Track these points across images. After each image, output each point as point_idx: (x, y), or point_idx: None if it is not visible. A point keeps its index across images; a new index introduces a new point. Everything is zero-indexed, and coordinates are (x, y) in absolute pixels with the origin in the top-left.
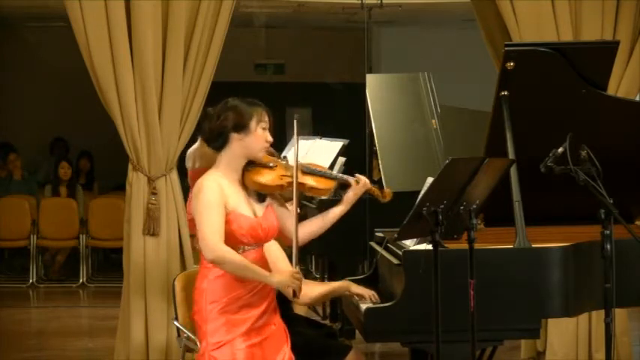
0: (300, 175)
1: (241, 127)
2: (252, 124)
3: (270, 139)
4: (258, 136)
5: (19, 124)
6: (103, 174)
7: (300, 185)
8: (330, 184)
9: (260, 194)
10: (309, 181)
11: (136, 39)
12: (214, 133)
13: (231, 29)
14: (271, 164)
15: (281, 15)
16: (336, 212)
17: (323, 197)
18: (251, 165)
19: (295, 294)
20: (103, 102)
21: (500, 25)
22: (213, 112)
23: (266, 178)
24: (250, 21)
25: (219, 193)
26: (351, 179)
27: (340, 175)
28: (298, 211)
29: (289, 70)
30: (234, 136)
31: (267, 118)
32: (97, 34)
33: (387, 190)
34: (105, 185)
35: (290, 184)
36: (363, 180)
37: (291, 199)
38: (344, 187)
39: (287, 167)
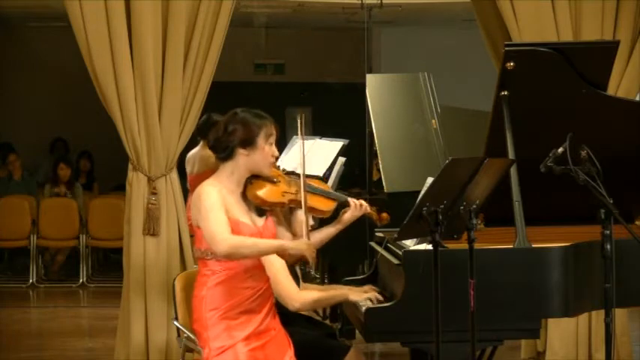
0: (302, 193)
1: (248, 143)
2: (260, 140)
3: (276, 153)
4: (264, 152)
5: (19, 124)
6: (103, 174)
7: (300, 204)
8: (330, 205)
9: (260, 209)
10: (311, 200)
11: (136, 39)
12: (221, 145)
13: (231, 29)
14: (275, 179)
15: (281, 15)
16: (330, 231)
17: (322, 217)
18: (254, 178)
19: (309, 263)
20: (103, 102)
21: (500, 25)
22: (221, 122)
23: (268, 193)
24: (250, 21)
25: (219, 196)
26: (350, 200)
27: (341, 195)
28: (311, 223)
29: (289, 70)
30: (241, 151)
31: (274, 133)
32: (97, 34)
33: (384, 215)
34: (105, 185)
35: (291, 201)
36: (364, 205)
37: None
38: (342, 207)
39: (290, 183)
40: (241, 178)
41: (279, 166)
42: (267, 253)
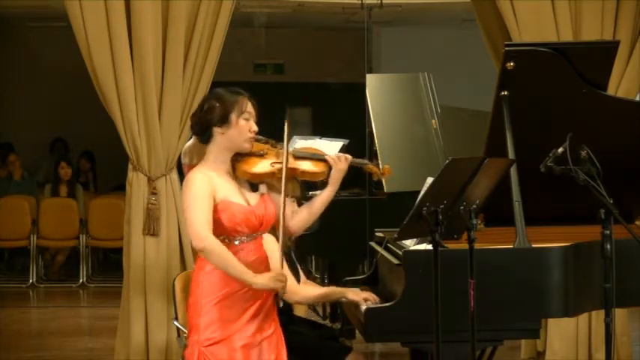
0: (291, 160)
1: (222, 120)
2: (233, 116)
3: (254, 128)
4: (240, 128)
5: (19, 124)
6: (103, 174)
7: (293, 170)
8: (324, 167)
9: (253, 184)
10: (302, 165)
11: (136, 39)
12: (200, 126)
13: (231, 29)
14: (261, 152)
15: (281, 15)
16: (323, 196)
17: (319, 180)
18: (240, 155)
19: (279, 299)
20: (103, 102)
21: (500, 25)
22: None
23: (256, 167)
24: (250, 21)
25: (207, 184)
26: (327, 157)
27: (328, 155)
28: (296, 207)
29: (289, 70)
30: (217, 130)
31: (250, 108)
32: (97, 34)
33: (386, 167)
34: (105, 185)
35: (281, 170)
36: (349, 158)
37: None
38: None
39: (278, 154)
40: (226, 158)
41: (268, 140)
42: (234, 277)
